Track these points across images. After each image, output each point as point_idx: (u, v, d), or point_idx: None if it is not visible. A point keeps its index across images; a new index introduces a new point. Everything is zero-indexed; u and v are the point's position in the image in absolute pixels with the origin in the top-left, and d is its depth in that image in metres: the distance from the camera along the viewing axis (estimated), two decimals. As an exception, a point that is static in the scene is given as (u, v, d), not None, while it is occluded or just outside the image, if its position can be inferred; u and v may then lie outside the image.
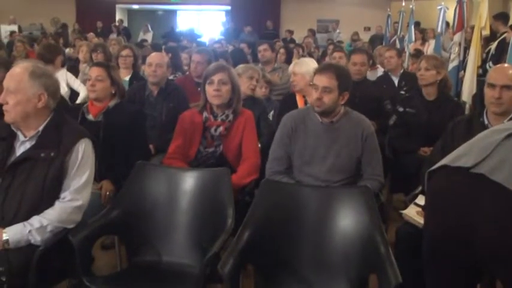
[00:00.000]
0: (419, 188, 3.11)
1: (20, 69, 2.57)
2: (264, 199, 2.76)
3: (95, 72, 3.58)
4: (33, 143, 2.58)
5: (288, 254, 2.67)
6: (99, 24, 16.74)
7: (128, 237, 2.84)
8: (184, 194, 2.87)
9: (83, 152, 2.58)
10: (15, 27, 15.49)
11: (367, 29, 16.91)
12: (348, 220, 2.69)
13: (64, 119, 2.69)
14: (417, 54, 8.25)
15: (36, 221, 2.45)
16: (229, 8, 18.91)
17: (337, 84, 3.14)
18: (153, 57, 4.58)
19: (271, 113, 4.75)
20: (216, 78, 3.44)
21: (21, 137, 2.61)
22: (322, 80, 3.15)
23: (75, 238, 2.49)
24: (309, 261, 2.66)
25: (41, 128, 2.59)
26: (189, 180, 2.90)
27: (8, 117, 2.56)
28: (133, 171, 2.94)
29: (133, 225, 2.80)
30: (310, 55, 9.71)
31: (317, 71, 3.25)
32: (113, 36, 12.89)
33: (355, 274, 2.58)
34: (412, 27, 9.98)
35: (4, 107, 2.55)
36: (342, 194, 2.79)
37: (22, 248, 2.42)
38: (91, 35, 12.52)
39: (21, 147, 2.60)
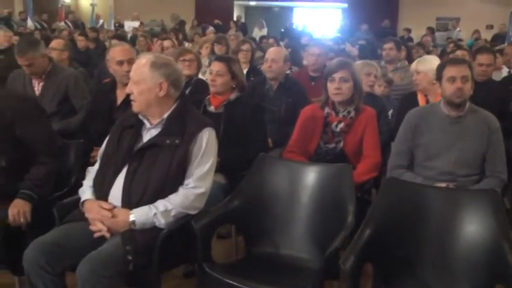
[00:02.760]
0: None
1: (143, 61, 2.68)
2: (387, 197, 2.70)
3: (216, 67, 3.63)
4: (158, 130, 2.67)
5: (409, 256, 2.58)
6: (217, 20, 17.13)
7: (246, 228, 2.87)
8: (304, 188, 2.85)
9: (207, 140, 2.63)
10: (137, 23, 16.24)
11: (490, 27, 16.10)
12: (473, 225, 2.57)
13: (188, 108, 2.76)
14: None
15: (161, 204, 2.53)
16: (345, 5, 18.71)
17: (471, 74, 3.15)
18: (269, 52, 4.61)
19: (390, 111, 4.63)
20: (337, 76, 3.41)
21: (147, 125, 2.71)
22: (461, 70, 3.14)
23: (197, 224, 2.55)
24: (430, 265, 2.56)
25: (165, 116, 2.67)
26: (310, 175, 2.87)
27: (134, 107, 2.68)
28: (255, 163, 2.96)
29: (253, 215, 2.83)
30: (429, 54, 9.36)
31: (450, 63, 3.22)
32: (232, 32, 13.13)
33: (479, 283, 2.46)
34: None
35: (131, 97, 2.68)
36: (468, 196, 2.68)
37: (147, 229, 2.50)
38: (210, 30, 12.85)
39: (148, 134, 2.69)
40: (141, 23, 16.14)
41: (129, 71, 3.70)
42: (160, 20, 17.89)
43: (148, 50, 8.44)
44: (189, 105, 2.80)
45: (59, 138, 3.27)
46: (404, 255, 2.58)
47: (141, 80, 2.63)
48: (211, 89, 3.66)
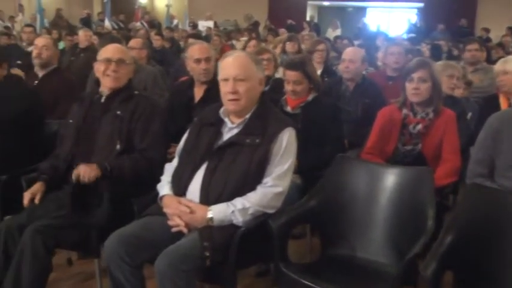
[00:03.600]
0: None
1: (245, 58, 2.68)
2: (469, 204, 2.60)
3: (292, 76, 3.57)
4: (239, 128, 2.67)
5: (491, 266, 2.46)
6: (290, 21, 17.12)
7: (323, 228, 2.85)
8: (383, 191, 2.79)
9: (287, 140, 2.62)
10: (211, 23, 16.46)
11: None
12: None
13: (270, 108, 2.76)
14: None
15: (239, 202, 2.54)
16: (421, 5, 18.28)
17: None
18: (347, 53, 4.56)
19: (470, 114, 4.48)
20: (416, 75, 3.32)
21: (228, 124, 2.71)
22: None
23: (274, 223, 2.55)
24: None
25: (248, 116, 2.67)
26: (390, 177, 2.81)
27: (237, 105, 2.64)
28: (333, 164, 2.93)
29: (330, 216, 2.80)
30: (509, 55, 9.01)
31: None
32: (305, 32, 13.10)
33: None
34: None
35: (232, 96, 2.62)
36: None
37: (225, 226, 2.52)
38: (282, 30, 12.86)
39: (229, 133, 2.70)
40: (215, 23, 16.35)
41: (206, 69, 3.79)
42: (233, 20, 18.08)
43: (223, 49, 8.53)
44: (270, 104, 2.80)
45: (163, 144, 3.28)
46: (487, 265, 2.46)
47: (248, 77, 2.63)
48: (292, 97, 3.62)
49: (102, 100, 3.17)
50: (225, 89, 2.65)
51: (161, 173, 2.88)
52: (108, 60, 3.11)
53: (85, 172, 2.88)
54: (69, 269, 3.58)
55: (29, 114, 3.46)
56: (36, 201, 2.93)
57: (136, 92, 3.21)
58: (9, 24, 14.84)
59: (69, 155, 3.11)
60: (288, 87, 3.61)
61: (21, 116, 3.40)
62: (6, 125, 3.35)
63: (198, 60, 3.79)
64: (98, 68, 3.15)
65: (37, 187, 3.00)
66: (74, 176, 2.89)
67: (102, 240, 2.63)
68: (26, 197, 2.94)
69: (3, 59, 3.56)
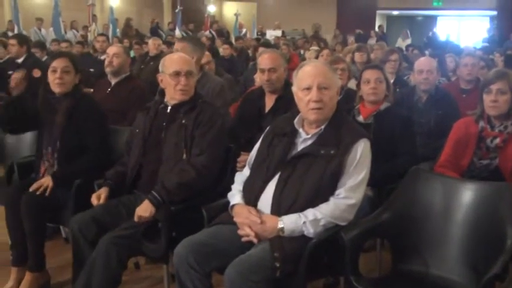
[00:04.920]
0: None
1: (323, 66, 2.68)
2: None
3: (375, 74, 3.59)
4: (314, 139, 2.65)
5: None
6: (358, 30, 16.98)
7: (395, 242, 2.78)
8: (459, 206, 2.69)
9: (362, 151, 2.58)
10: (279, 32, 16.54)
11: None
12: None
13: (344, 118, 2.73)
14: None
15: (310, 213, 2.51)
16: (494, 13, 17.72)
17: None
18: (423, 63, 4.42)
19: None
20: (494, 87, 3.19)
21: (303, 134, 2.69)
22: None
23: (347, 236, 2.51)
24: None
25: (323, 127, 2.64)
26: (466, 192, 2.71)
27: (320, 114, 2.61)
28: (407, 176, 2.86)
29: (403, 230, 2.73)
30: None
31: None
32: (372, 41, 12.96)
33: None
34: None
35: (316, 105, 2.59)
36: None
37: (295, 237, 2.50)
38: (351, 39, 12.77)
39: (302, 143, 2.68)
40: (283, 32, 16.41)
41: (268, 80, 3.77)
42: (301, 30, 18.10)
43: (291, 59, 8.53)
44: (344, 114, 2.77)
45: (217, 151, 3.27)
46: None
47: (330, 86, 2.62)
48: (370, 98, 3.59)
49: (168, 110, 3.20)
50: (307, 97, 2.61)
51: (227, 180, 2.90)
52: (177, 74, 3.12)
53: (144, 217, 2.91)
54: (137, 273, 3.66)
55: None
56: (101, 201, 3.08)
57: (200, 100, 3.22)
58: (82, 33, 15.42)
59: (136, 164, 3.18)
60: (369, 86, 3.58)
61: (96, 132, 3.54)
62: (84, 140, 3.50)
63: (262, 71, 3.80)
64: (167, 81, 3.15)
65: (102, 191, 3.14)
66: (136, 219, 2.92)
67: (172, 247, 2.67)
68: (94, 198, 3.11)
69: (79, 68, 3.66)
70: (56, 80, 3.47)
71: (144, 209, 2.91)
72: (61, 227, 4.08)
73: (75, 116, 3.48)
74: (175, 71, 3.12)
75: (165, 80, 3.18)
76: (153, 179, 3.09)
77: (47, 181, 3.34)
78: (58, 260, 3.69)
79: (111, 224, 2.96)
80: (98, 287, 2.79)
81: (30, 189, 3.31)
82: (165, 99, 3.24)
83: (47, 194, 3.30)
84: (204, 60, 5.21)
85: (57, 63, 3.49)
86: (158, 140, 3.15)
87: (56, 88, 3.49)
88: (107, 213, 3.03)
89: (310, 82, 2.60)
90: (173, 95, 3.15)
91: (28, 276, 3.35)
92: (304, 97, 2.62)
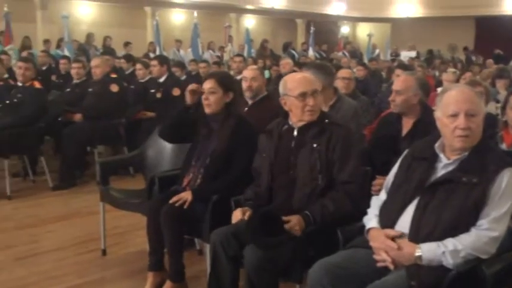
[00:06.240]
0: None
1: (470, 91, 2.59)
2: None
3: None
4: (455, 165, 2.55)
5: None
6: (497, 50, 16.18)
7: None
8: None
9: (507, 181, 2.44)
10: (414, 53, 16.18)
11: None
12: None
13: (488, 145, 2.62)
14: None
15: (450, 243, 2.41)
16: None
17: None
18: None
19: None
20: None
21: (444, 160, 2.60)
22: None
23: (489, 270, 2.38)
24: None
25: (467, 153, 2.54)
26: None
27: (467, 142, 2.51)
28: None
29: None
30: None
31: None
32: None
33: None
34: None
35: (463, 133, 2.50)
36: None
37: (433, 267, 2.41)
38: (490, 61, 12.20)
39: (443, 169, 2.59)
40: (418, 53, 16.03)
41: (392, 101, 3.71)
42: (436, 50, 17.57)
43: (428, 80, 8.28)
44: (489, 141, 2.65)
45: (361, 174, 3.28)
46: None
47: (478, 112, 2.53)
48: None
49: (295, 133, 3.19)
50: (453, 124, 2.51)
51: (364, 203, 2.87)
52: (303, 95, 3.10)
53: (295, 230, 2.92)
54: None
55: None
56: (245, 217, 3.08)
57: (326, 121, 3.18)
58: (219, 54, 16.07)
59: (267, 189, 3.23)
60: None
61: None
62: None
63: (396, 92, 3.74)
64: (293, 103, 3.14)
65: (246, 209, 3.16)
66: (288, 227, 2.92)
67: (306, 267, 2.68)
68: (237, 214, 3.14)
69: (231, 87, 3.74)
70: (204, 101, 3.66)
71: (296, 223, 2.91)
72: (195, 240, 4.26)
73: (233, 138, 3.60)
74: (301, 93, 3.11)
75: (289, 102, 3.16)
76: (287, 205, 3.09)
77: (187, 195, 3.51)
78: (192, 271, 3.84)
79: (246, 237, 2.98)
80: None
81: (170, 202, 3.49)
82: (290, 121, 3.24)
83: (185, 207, 3.46)
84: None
85: (204, 85, 3.68)
86: (288, 164, 3.16)
87: (205, 109, 3.67)
88: None
89: (457, 108, 2.51)
90: (301, 117, 3.14)
91: (168, 285, 3.53)
92: (450, 124, 2.52)
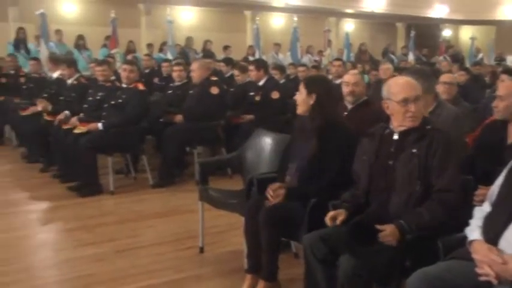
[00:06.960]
0: None
1: None
2: None
3: None
4: None
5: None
6: None
7: None
8: None
9: None
10: None
11: None
12: None
13: None
14: None
15: None
16: None
17: None
18: None
19: None
20: None
21: None
22: None
23: None
24: None
25: None
26: None
27: None
28: None
29: None
30: None
31: None
32: None
33: None
34: None
35: None
36: None
37: None
38: None
39: None
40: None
41: (495, 107, 3.56)
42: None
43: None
44: None
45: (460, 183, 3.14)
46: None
47: None
48: None
49: (395, 137, 3.14)
50: None
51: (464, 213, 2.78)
52: (405, 101, 3.06)
53: (389, 240, 2.86)
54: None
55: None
56: (338, 222, 3.06)
57: (428, 127, 3.12)
58: (317, 58, 16.06)
59: (365, 192, 3.20)
60: None
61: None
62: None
63: (499, 98, 3.59)
64: (395, 108, 3.11)
65: (340, 212, 3.12)
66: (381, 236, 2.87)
67: (403, 276, 2.64)
68: (330, 218, 3.11)
69: (313, 89, 3.73)
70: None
71: (390, 234, 2.85)
72: (292, 242, 4.28)
73: (325, 139, 3.61)
74: (404, 98, 3.07)
75: (391, 106, 3.14)
76: (383, 209, 3.06)
77: (281, 190, 3.59)
78: (287, 273, 3.86)
79: (339, 246, 2.96)
80: None
81: (266, 193, 3.59)
82: (391, 125, 3.20)
83: (276, 201, 3.54)
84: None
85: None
86: (386, 167, 3.12)
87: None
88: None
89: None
90: (402, 122, 3.11)
91: (262, 284, 3.59)
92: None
